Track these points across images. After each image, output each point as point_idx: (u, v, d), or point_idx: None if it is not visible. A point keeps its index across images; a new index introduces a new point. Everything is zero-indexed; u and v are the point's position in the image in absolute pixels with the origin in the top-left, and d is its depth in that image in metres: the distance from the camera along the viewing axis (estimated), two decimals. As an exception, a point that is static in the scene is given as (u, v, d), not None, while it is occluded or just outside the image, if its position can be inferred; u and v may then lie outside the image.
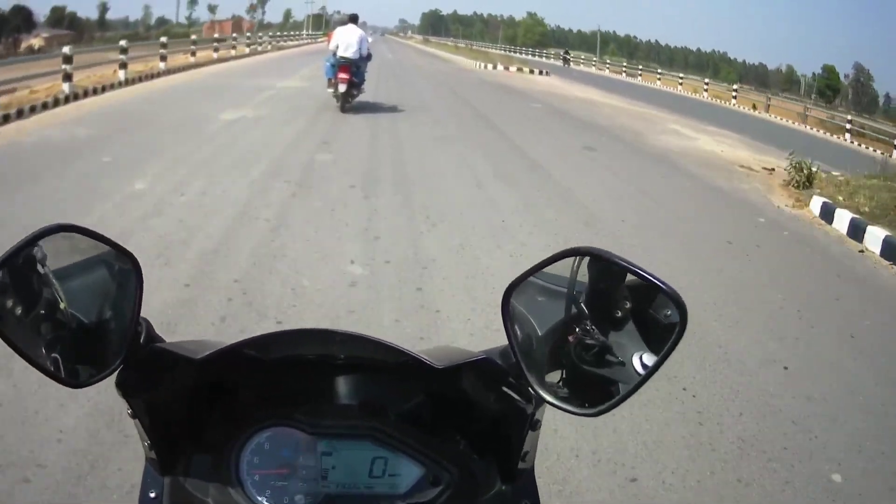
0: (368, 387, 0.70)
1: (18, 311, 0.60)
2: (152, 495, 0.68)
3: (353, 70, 10.03)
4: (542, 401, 0.62)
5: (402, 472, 0.68)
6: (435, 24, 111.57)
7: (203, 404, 0.70)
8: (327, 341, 0.66)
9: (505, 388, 0.65)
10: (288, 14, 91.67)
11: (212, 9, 77.69)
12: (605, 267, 0.63)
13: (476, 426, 0.70)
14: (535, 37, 61.31)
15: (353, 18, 10.38)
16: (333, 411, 0.69)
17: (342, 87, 10.01)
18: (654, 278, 0.59)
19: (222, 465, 0.68)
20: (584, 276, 0.64)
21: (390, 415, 0.69)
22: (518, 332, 0.63)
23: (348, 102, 10.32)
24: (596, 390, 0.62)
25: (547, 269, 0.64)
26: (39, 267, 0.61)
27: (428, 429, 0.69)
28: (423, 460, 0.68)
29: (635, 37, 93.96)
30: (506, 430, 0.68)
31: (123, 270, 0.64)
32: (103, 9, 58.37)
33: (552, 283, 0.65)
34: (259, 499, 0.67)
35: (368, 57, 10.52)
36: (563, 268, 0.64)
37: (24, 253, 0.60)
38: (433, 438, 0.69)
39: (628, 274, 0.61)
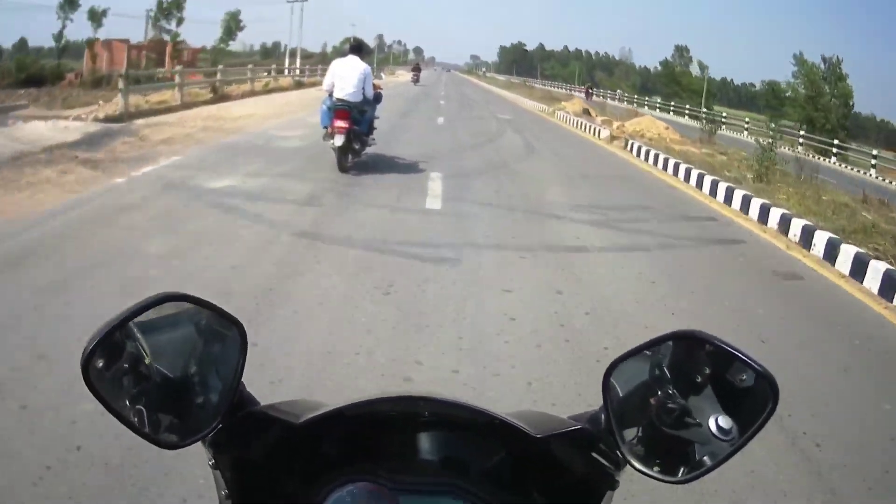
0: (451, 443, 0.71)
1: (100, 363, 0.60)
2: None
3: (353, 116, 7.38)
4: (630, 466, 0.65)
5: None
6: (519, 61, 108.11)
7: (286, 458, 0.70)
8: (419, 405, 0.68)
9: (594, 455, 0.68)
10: (229, 26, 45.81)
11: (94, 16, 40.01)
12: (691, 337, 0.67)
13: (555, 485, 0.71)
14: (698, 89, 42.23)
15: (356, 48, 7.68)
16: (415, 467, 0.70)
17: (339, 140, 7.36)
18: (754, 362, 0.63)
19: None
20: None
21: (472, 472, 0.70)
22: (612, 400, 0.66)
23: (352, 160, 7.67)
24: (670, 450, 0.65)
25: None
26: None
27: (508, 486, 0.70)
28: None
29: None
30: (585, 490, 0.70)
31: (223, 335, 0.65)
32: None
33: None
34: None
35: (377, 98, 7.88)
36: None
37: (131, 322, 0.61)
38: (513, 496, 0.70)
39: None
